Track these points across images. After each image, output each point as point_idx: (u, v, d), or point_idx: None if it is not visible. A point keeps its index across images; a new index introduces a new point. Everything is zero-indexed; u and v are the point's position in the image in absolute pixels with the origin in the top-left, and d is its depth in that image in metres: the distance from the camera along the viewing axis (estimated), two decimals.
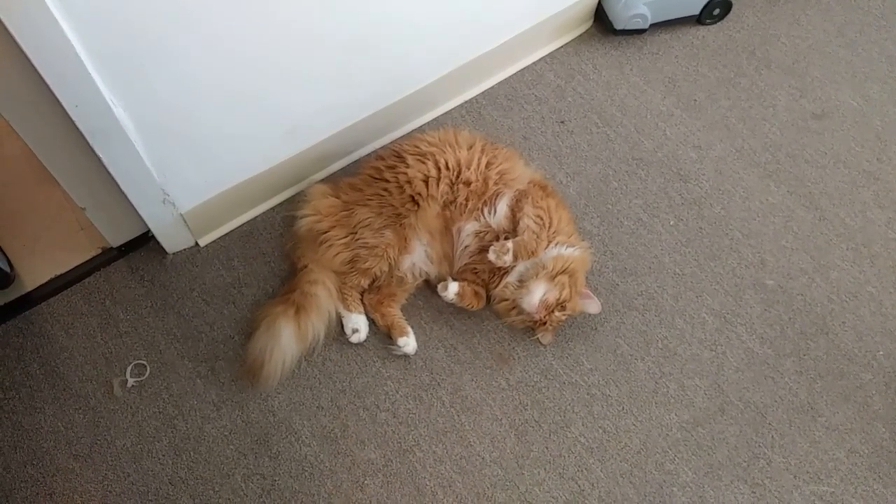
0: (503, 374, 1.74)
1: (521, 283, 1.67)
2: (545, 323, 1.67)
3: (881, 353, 1.78)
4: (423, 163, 1.72)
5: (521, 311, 1.69)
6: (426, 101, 2.06)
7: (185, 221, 1.78)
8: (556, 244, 1.68)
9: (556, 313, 1.66)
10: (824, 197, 2.00)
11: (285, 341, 1.64)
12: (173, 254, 1.87)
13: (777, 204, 1.98)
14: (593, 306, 1.72)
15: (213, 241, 1.89)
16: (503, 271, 1.70)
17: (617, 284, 1.86)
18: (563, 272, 1.65)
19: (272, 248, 1.88)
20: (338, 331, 1.76)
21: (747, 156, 2.06)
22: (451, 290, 1.70)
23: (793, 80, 2.20)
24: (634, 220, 1.95)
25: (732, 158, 2.06)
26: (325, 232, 1.73)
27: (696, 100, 2.16)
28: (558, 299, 1.64)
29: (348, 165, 2.01)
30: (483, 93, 2.14)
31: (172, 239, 1.83)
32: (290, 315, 1.66)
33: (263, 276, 1.84)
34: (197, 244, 1.88)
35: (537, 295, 1.64)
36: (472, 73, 2.09)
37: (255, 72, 1.57)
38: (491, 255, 1.65)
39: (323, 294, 1.70)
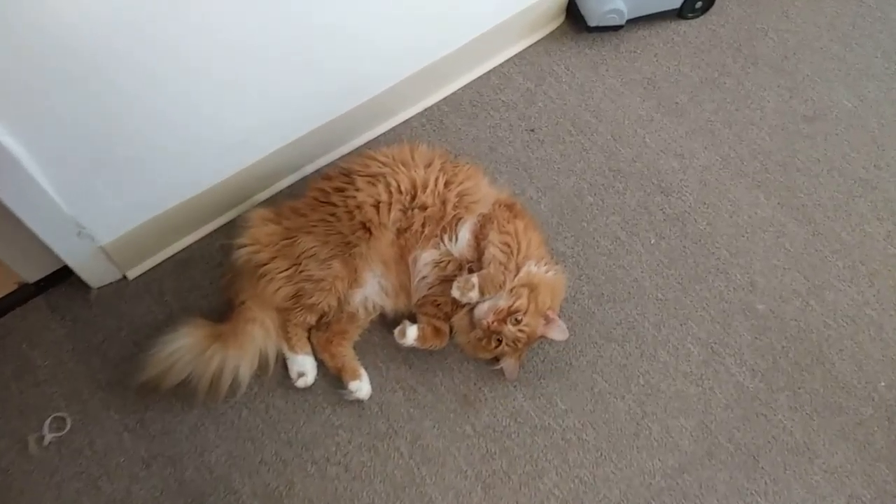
0: (468, 418, 1.57)
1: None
2: (500, 340, 1.49)
3: (883, 384, 1.63)
4: (374, 185, 1.53)
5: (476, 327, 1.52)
6: (382, 111, 1.88)
7: (108, 254, 1.59)
8: (526, 266, 1.51)
9: (510, 326, 1.47)
10: (818, 209, 1.84)
11: (173, 347, 1.47)
12: (98, 289, 1.67)
13: (767, 218, 1.82)
14: (558, 332, 1.52)
15: (143, 274, 1.70)
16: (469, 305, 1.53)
17: (593, 312, 1.69)
18: (523, 285, 1.49)
19: (209, 281, 1.69)
20: (282, 374, 1.58)
21: (734, 164, 1.90)
22: (410, 335, 1.53)
23: (782, 80, 2.04)
24: (612, 239, 1.78)
25: (718, 168, 1.89)
26: (265, 264, 1.54)
27: (677, 103, 1.99)
28: (510, 307, 1.47)
29: (296, 182, 1.83)
30: (445, 99, 1.97)
31: (95, 273, 1.64)
32: (200, 333, 1.50)
33: (200, 311, 1.64)
34: (125, 277, 1.69)
35: (489, 302, 1.49)
36: (432, 78, 1.91)
37: (182, 79, 1.38)
38: (455, 293, 1.48)
39: (259, 334, 1.52)
